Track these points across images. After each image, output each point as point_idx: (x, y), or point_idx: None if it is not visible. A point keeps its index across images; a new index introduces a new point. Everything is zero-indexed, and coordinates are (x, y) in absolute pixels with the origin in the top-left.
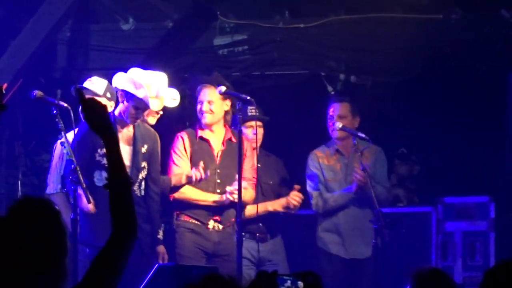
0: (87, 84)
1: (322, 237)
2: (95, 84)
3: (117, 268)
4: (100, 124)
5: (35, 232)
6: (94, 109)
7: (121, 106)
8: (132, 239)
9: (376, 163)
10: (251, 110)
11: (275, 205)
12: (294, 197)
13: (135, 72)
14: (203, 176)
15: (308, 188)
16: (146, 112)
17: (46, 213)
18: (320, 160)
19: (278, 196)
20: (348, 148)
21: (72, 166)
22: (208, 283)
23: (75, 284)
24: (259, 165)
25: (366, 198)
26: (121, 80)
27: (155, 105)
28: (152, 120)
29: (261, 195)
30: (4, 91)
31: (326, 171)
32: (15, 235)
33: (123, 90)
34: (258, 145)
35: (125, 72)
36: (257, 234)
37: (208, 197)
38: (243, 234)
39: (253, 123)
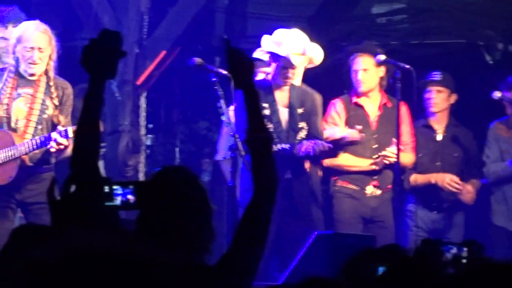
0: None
1: (492, 208)
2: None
3: (263, 225)
4: (242, 77)
5: (175, 197)
6: (239, 60)
7: (271, 68)
8: (273, 194)
9: None
10: (434, 75)
11: (438, 178)
12: (453, 184)
13: (278, 32)
14: (357, 137)
15: (483, 157)
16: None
17: (183, 178)
18: (498, 131)
19: (461, 171)
20: None
21: (231, 133)
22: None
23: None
24: (445, 135)
25: None
26: (266, 42)
27: (299, 61)
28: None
29: (441, 167)
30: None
31: (502, 143)
32: (155, 202)
33: (268, 52)
34: (435, 110)
35: None
36: (432, 203)
37: (362, 163)
38: (414, 202)
39: (432, 87)
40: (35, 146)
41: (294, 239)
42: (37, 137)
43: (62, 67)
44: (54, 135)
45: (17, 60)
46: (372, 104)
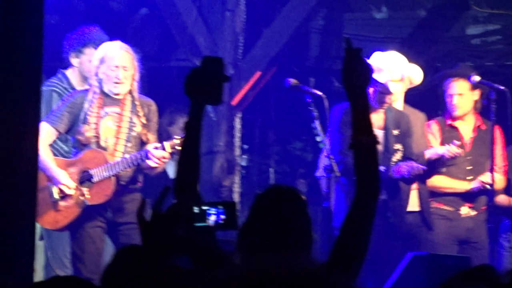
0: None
1: None
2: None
3: (364, 231)
4: (355, 79)
5: (280, 221)
6: (356, 62)
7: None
8: (375, 201)
9: None
10: None
11: None
12: None
13: (377, 56)
14: (458, 152)
15: None
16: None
17: (293, 203)
18: None
19: None
20: None
21: (326, 154)
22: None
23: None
24: None
25: None
26: None
27: (398, 88)
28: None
29: None
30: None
31: None
32: (260, 223)
33: None
34: None
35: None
36: None
37: (458, 185)
38: (510, 223)
39: None
40: (135, 162)
41: (389, 260)
42: (132, 154)
43: (156, 87)
44: (153, 151)
45: (100, 81)
46: (467, 126)
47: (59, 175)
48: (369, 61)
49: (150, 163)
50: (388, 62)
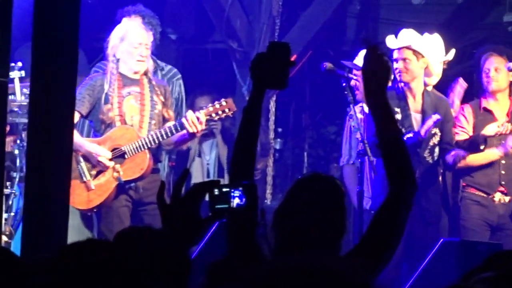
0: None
1: None
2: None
3: (398, 223)
4: (375, 78)
5: (316, 208)
6: (377, 63)
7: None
8: (411, 193)
9: None
10: None
11: None
12: None
13: (426, 37)
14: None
15: None
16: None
17: (331, 192)
18: None
19: None
20: None
21: (360, 138)
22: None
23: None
24: None
25: None
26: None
27: (441, 70)
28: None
29: None
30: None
31: None
32: (296, 208)
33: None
34: None
35: None
36: None
37: (490, 156)
38: None
39: None
40: (169, 133)
41: (422, 245)
42: (166, 126)
43: (192, 69)
44: (189, 115)
45: (117, 62)
46: (501, 109)
47: (96, 148)
48: (419, 38)
49: (189, 128)
50: (435, 44)
